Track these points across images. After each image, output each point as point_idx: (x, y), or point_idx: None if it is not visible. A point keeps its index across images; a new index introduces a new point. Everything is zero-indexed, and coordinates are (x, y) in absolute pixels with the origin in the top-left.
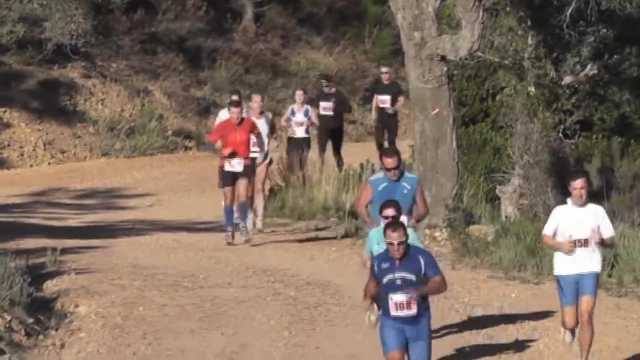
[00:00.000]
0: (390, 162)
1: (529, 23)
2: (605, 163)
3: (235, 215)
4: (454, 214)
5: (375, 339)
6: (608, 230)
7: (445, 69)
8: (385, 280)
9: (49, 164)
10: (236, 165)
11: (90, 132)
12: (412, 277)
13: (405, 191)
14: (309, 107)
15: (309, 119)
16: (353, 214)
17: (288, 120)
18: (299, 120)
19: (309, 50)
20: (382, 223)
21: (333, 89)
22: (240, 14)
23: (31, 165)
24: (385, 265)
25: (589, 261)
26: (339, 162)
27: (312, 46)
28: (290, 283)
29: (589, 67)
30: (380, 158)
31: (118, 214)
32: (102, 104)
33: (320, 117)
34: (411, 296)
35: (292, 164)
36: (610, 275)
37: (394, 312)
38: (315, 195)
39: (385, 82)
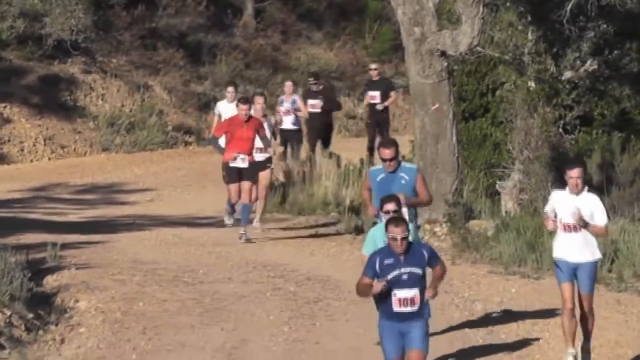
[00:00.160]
0: (387, 153)
1: (529, 18)
2: (605, 158)
3: (236, 214)
4: (454, 209)
5: (376, 334)
6: (601, 219)
7: (446, 64)
8: (390, 276)
9: (49, 159)
10: (240, 161)
11: (91, 128)
12: (419, 271)
13: (403, 182)
14: (297, 97)
15: (295, 108)
16: (353, 209)
17: (278, 112)
18: (286, 108)
19: (309, 46)
20: (384, 218)
21: (321, 87)
22: (240, 10)
23: (31, 161)
24: (389, 261)
25: (582, 251)
26: (331, 156)
27: (312, 41)
28: (290, 278)
29: (589, 62)
30: (378, 149)
31: (118, 209)
32: (102, 99)
33: (308, 114)
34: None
35: (284, 157)
36: (610, 270)
37: (396, 308)
38: (315, 191)
39: (375, 79)
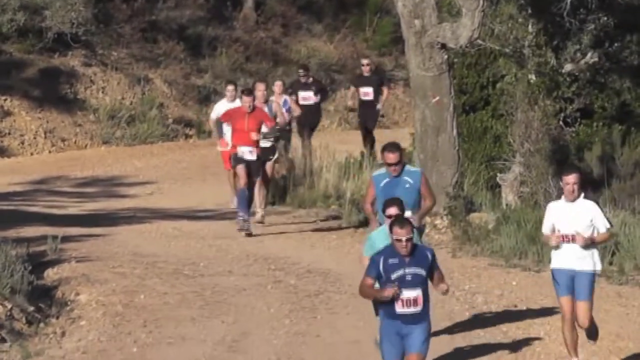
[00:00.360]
0: (392, 157)
1: (530, 11)
2: (605, 151)
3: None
4: (455, 202)
5: (376, 327)
6: (602, 225)
7: (446, 56)
8: (394, 276)
9: (50, 152)
10: (247, 153)
11: (91, 121)
12: (423, 272)
13: (408, 185)
14: (287, 97)
15: (288, 109)
16: (354, 202)
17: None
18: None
19: (309, 38)
20: (386, 222)
21: (311, 79)
22: (240, 2)
23: (32, 154)
24: (393, 261)
25: (582, 260)
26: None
27: (312, 34)
28: (290, 271)
29: (589, 54)
30: (382, 153)
31: (119, 202)
32: (102, 92)
33: (300, 107)
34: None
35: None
36: (611, 263)
37: (400, 309)
38: (316, 183)
39: (366, 74)
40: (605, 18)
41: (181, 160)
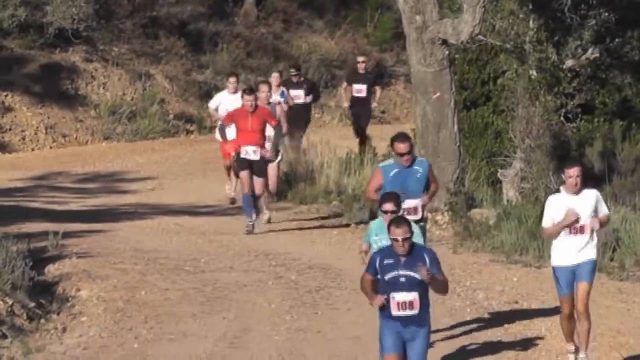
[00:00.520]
0: (402, 147)
1: (531, 6)
2: (606, 147)
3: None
4: (456, 198)
5: (376, 323)
6: (603, 210)
7: (447, 52)
8: (387, 277)
9: (51, 148)
10: (251, 153)
11: (92, 116)
12: (417, 275)
13: (419, 175)
14: (284, 89)
15: (285, 100)
16: (355, 197)
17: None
18: (274, 101)
19: (310, 34)
20: (381, 217)
21: (302, 78)
22: None
23: (33, 149)
24: (389, 261)
25: (585, 250)
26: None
27: (313, 30)
28: (291, 267)
29: (590, 50)
30: (392, 144)
31: (120, 198)
32: (103, 87)
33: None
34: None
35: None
36: (612, 259)
37: (395, 312)
38: (317, 179)
39: (361, 72)
40: (606, 14)
41: (182, 156)
